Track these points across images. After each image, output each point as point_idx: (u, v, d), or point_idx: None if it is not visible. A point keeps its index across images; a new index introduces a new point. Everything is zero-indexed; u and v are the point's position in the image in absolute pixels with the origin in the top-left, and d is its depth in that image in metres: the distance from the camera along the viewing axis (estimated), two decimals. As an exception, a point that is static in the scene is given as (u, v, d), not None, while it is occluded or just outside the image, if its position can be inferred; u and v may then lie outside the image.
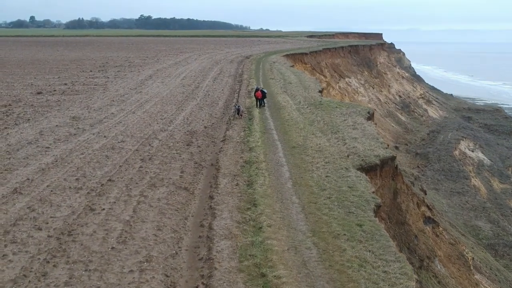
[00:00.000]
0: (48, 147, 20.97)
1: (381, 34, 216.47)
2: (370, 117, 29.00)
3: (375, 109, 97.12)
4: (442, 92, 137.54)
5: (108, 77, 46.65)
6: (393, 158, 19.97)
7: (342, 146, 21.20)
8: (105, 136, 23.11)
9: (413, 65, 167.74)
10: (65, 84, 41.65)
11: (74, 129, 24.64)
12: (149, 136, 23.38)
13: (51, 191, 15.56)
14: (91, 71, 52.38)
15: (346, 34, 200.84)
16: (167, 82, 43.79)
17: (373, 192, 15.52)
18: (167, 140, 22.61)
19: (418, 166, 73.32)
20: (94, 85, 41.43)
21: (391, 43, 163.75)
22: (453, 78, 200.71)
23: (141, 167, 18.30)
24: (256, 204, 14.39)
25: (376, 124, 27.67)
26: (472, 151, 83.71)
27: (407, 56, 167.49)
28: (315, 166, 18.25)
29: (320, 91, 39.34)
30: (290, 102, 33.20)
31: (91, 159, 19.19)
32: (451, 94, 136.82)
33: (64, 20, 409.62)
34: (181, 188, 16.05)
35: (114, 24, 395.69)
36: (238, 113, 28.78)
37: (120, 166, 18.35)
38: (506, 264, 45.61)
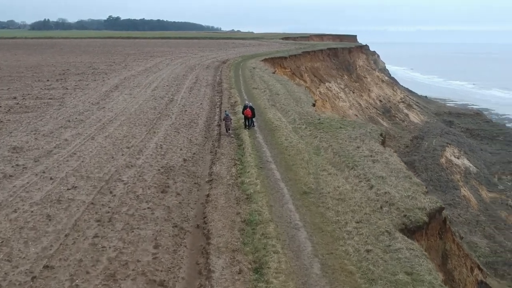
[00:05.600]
0: (-32, 200, 15.08)
1: (356, 35, 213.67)
2: (384, 140, 24.09)
3: (357, 115, 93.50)
4: (418, 94, 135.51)
5: (67, 88, 40.34)
6: (440, 210, 14.97)
7: (368, 190, 16.06)
8: (51, 178, 17.30)
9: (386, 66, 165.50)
10: (14, 98, 35.21)
11: (12, 166, 18.69)
12: (111, 176, 17.68)
13: None
14: (48, 80, 45.80)
15: (321, 36, 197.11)
16: (136, 93, 37.86)
17: (444, 282, 10.41)
18: (134, 183, 16.96)
19: (405, 177, 69.28)
20: (49, 98, 35.18)
21: (366, 45, 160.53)
22: (421, 79, 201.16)
23: (96, 236, 12.66)
24: (276, 319, 9.05)
25: (396, 152, 22.78)
26: (458, 158, 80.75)
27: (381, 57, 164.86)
28: (345, 229, 13.01)
29: (314, 104, 34.32)
30: (284, 120, 27.97)
31: (25, 223, 13.42)
32: (426, 96, 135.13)
33: (29, 21, 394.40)
34: (154, 284, 10.51)
35: (81, 25, 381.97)
36: (226, 128, 24.79)
37: (65, 236, 12.66)
38: (509, 285, 41.98)
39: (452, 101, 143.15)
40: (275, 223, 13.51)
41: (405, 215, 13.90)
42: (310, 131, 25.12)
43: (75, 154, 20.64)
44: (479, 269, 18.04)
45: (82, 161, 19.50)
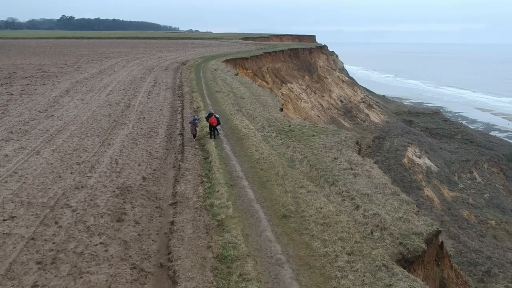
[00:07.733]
0: None
1: (315, 36, 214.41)
2: (360, 149, 22.53)
3: (319, 116, 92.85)
4: (376, 93, 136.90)
5: (12, 94, 36.81)
6: (437, 234, 13.39)
7: (354, 211, 14.29)
8: (-16, 206, 14.59)
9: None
10: (-51, 105, 31.60)
11: None
12: (57, 201, 15.12)
13: None
14: (-10, 84, 41.97)
15: (280, 36, 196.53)
16: (88, 99, 34.86)
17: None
18: (85, 210, 14.47)
19: (369, 178, 69.00)
20: (-10, 106, 31.76)
21: (325, 45, 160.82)
22: (377, 78, 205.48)
23: (35, 286, 10.23)
24: None
25: (376, 163, 21.32)
26: (419, 158, 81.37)
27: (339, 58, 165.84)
28: (336, 264, 11.13)
29: (282, 109, 32.52)
30: (251, 127, 25.97)
31: None
32: (384, 96, 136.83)
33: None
34: None
35: (33, 25, 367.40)
36: (193, 134, 23.49)
37: (-5, 287, 10.19)
38: (475, 286, 41.76)
39: (409, 99, 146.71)
40: (253, 258, 11.47)
41: (400, 243, 12.19)
42: (281, 139, 23.24)
43: (16, 173, 17.87)
44: (474, 293, 16.78)
45: (24, 182, 16.79)
